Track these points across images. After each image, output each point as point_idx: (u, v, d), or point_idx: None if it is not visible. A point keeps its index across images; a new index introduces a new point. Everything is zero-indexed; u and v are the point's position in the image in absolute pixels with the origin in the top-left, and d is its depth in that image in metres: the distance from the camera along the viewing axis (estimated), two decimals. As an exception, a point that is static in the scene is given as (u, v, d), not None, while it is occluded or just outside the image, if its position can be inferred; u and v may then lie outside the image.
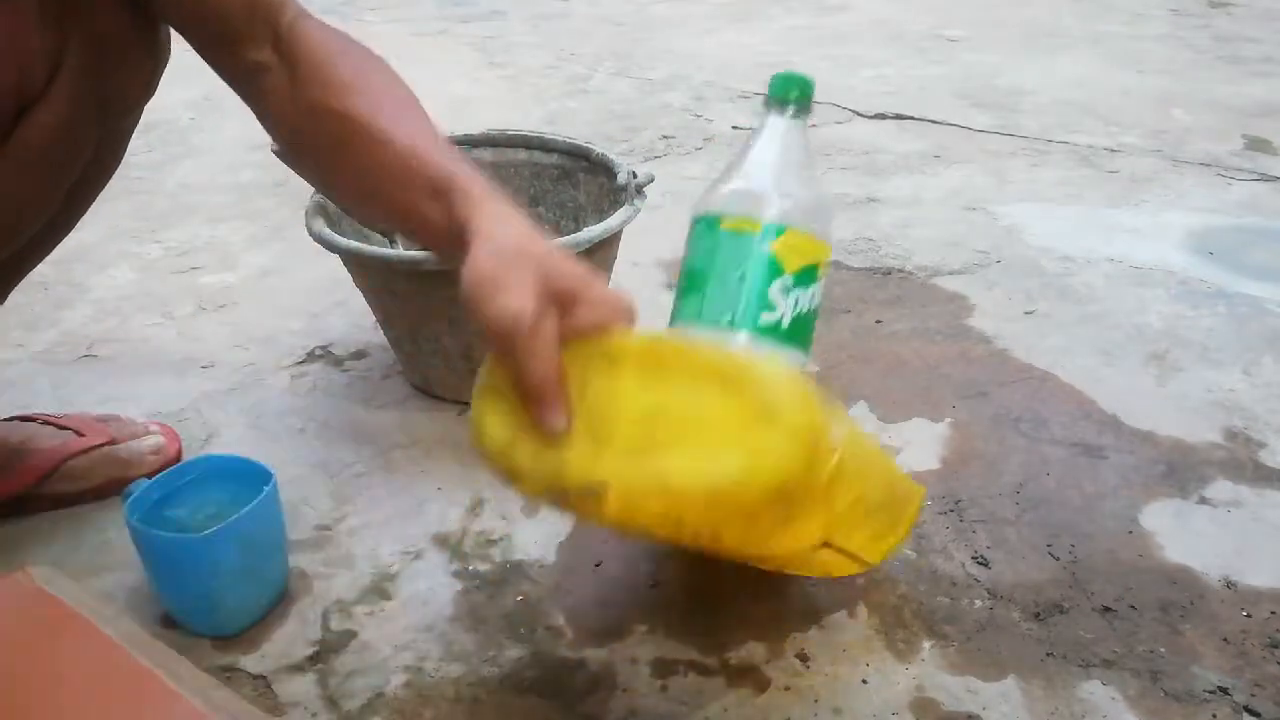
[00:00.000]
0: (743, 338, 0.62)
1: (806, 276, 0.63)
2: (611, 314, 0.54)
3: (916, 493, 0.70)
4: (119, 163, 0.76)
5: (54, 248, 0.77)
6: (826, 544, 0.61)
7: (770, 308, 0.63)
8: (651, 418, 0.51)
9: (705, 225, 0.65)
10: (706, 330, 0.63)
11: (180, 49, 0.71)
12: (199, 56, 0.68)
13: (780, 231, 0.63)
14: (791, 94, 0.67)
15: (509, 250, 0.53)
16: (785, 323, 0.63)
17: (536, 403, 0.52)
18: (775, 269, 0.63)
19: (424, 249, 0.71)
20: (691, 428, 0.50)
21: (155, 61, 0.70)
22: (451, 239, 0.58)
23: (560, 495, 0.52)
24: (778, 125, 0.67)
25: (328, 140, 0.67)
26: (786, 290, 0.63)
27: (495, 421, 0.54)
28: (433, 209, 0.60)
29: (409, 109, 0.67)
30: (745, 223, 0.62)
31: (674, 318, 0.66)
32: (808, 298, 0.64)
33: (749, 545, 0.60)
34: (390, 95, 0.67)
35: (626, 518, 0.50)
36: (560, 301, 0.52)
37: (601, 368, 0.52)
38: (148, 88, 0.72)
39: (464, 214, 0.57)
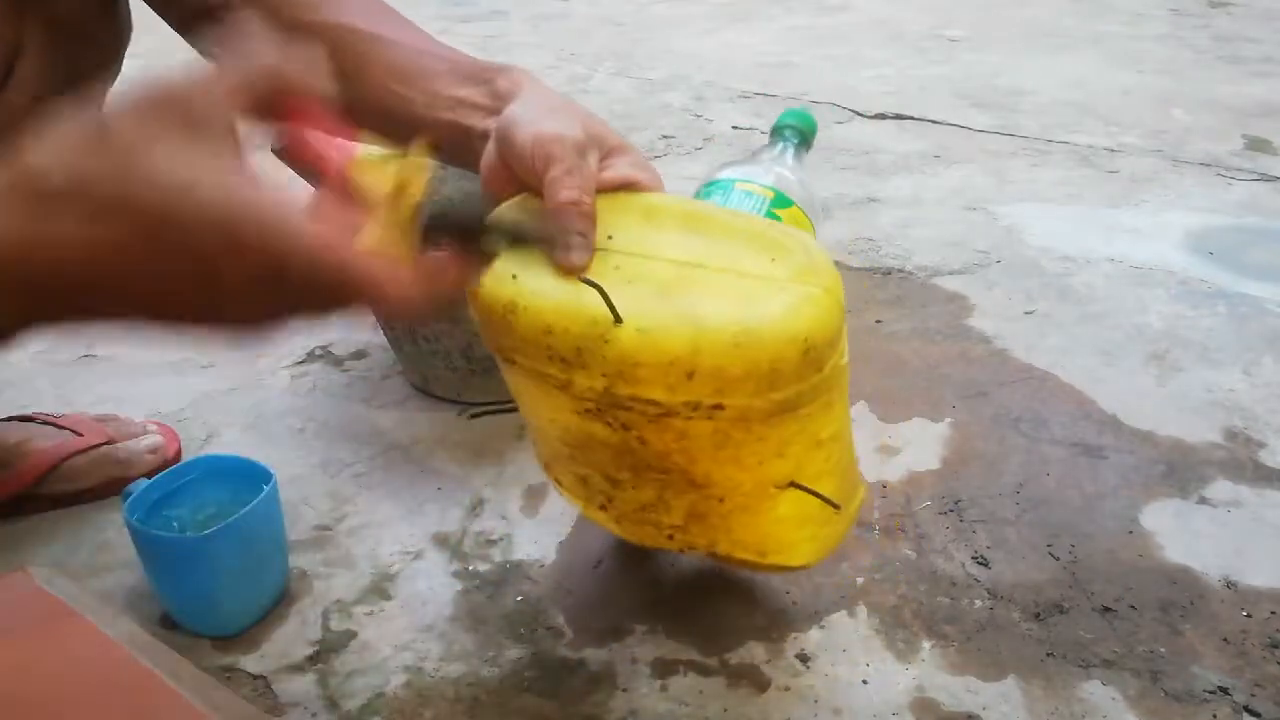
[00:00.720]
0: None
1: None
2: (648, 176, 0.54)
3: (862, 487, 0.65)
4: None
5: None
6: (793, 484, 0.56)
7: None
8: (687, 267, 0.49)
9: (719, 185, 0.66)
10: None
11: (182, 52, 0.71)
12: (158, 15, 0.67)
13: (789, 203, 0.64)
14: (794, 129, 0.71)
15: (556, 102, 0.53)
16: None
17: (563, 229, 0.49)
18: None
19: (457, 144, 0.59)
20: (730, 280, 0.49)
21: (117, 40, 0.70)
22: (494, 113, 0.55)
23: (560, 335, 0.48)
24: (783, 148, 0.71)
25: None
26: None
27: (505, 255, 0.49)
28: (471, 91, 0.58)
29: (395, 13, 0.66)
30: (759, 187, 0.64)
31: None
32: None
33: (726, 451, 0.53)
34: (373, 3, 0.66)
35: (631, 364, 0.47)
36: (601, 151, 0.53)
37: (635, 219, 0.51)
38: (111, 67, 0.70)
39: (508, 86, 0.56)
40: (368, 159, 0.38)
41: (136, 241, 0.34)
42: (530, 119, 0.52)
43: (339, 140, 0.34)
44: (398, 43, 0.61)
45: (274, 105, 0.36)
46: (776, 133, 0.71)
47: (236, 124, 0.35)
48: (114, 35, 0.69)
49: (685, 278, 0.49)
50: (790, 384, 0.50)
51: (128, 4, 0.69)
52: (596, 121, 0.54)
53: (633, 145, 0.56)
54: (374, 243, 0.38)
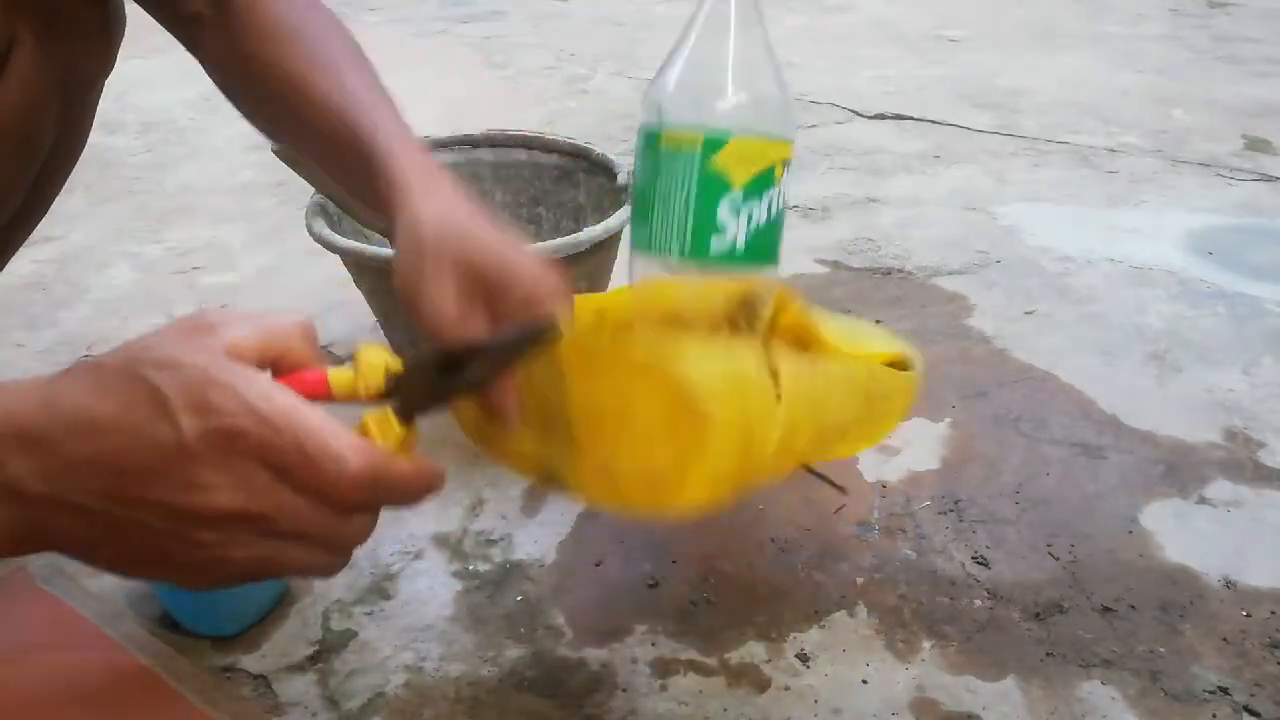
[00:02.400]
0: (694, 271, 0.57)
1: (760, 185, 0.56)
2: (541, 296, 0.51)
3: (906, 380, 0.60)
4: (84, 144, 0.75)
5: (26, 237, 0.76)
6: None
7: (720, 230, 0.56)
8: (589, 411, 0.49)
9: (645, 141, 0.58)
10: (657, 262, 0.58)
11: (182, 52, 0.71)
12: (141, 8, 0.68)
13: (722, 143, 0.55)
14: None
15: (428, 243, 0.50)
16: (740, 243, 0.56)
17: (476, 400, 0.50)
18: (721, 186, 0.55)
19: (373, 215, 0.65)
20: (624, 424, 0.49)
21: (111, 33, 0.69)
22: (385, 212, 0.55)
23: (533, 477, 0.51)
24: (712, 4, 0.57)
25: (262, 94, 0.65)
26: (736, 208, 0.56)
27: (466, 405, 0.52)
28: (362, 177, 0.57)
29: (341, 61, 0.63)
30: (684, 137, 0.55)
31: (631, 245, 0.61)
32: (764, 208, 0.56)
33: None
34: (323, 47, 0.64)
35: (589, 502, 0.51)
36: (487, 288, 0.50)
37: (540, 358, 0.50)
38: (106, 60, 0.70)
39: (387, 188, 0.54)
40: (338, 371, 0.43)
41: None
42: (409, 282, 0.51)
43: (313, 369, 0.43)
44: (314, 101, 0.60)
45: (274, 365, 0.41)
46: None
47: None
48: (107, 31, 0.69)
49: (592, 426, 0.50)
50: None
51: (121, 2, 0.69)
52: (473, 241, 0.51)
53: (518, 249, 0.51)
54: (368, 429, 0.43)
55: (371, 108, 0.59)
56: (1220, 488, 0.86)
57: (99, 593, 0.74)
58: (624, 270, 0.63)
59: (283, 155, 0.83)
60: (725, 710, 0.65)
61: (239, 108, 0.71)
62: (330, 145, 0.61)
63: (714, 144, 0.55)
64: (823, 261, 1.28)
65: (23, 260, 0.79)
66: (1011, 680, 0.67)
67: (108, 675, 0.47)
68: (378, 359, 0.43)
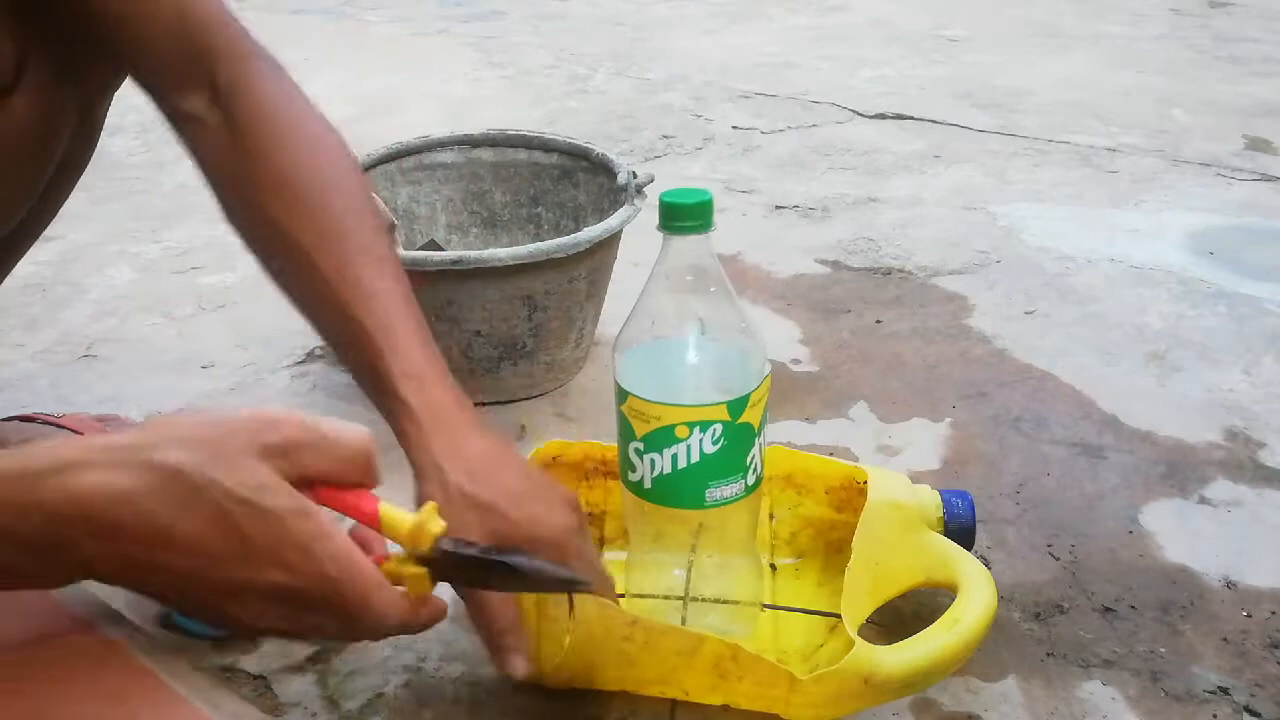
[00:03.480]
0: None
1: (659, 440, 0.61)
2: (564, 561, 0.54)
3: (773, 672, 0.61)
4: (94, 151, 0.75)
5: (34, 241, 0.76)
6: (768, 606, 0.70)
7: (632, 467, 0.63)
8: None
9: (662, 440, 0.63)
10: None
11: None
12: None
13: (625, 397, 0.62)
14: (674, 222, 0.59)
15: (455, 501, 0.55)
16: (646, 483, 0.62)
17: (598, 574, 0.60)
18: (629, 431, 0.62)
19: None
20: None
21: None
22: (396, 434, 0.59)
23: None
24: (665, 257, 0.60)
25: (258, 235, 0.64)
26: (640, 453, 0.62)
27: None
28: (367, 384, 0.59)
29: (347, 229, 0.61)
30: (707, 410, 0.60)
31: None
32: (666, 460, 0.61)
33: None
34: (329, 209, 0.61)
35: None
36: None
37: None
38: (117, 71, 0.70)
39: (402, 418, 0.58)
40: (391, 508, 0.47)
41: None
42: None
43: (367, 493, 0.47)
44: (326, 282, 0.59)
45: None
46: (663, 228, 0.60)
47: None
48: None
49: None
50: None
51: None
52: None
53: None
54: (392, 573, 0.47)
55: (383, 317, 0.58)
56: (1221, 488, 0.86)
57: (98, 592, 0.74)
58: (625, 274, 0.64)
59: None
60: (726, 710, 0.65)
61: (231, 222, 0.67)
62: (333, 329, 0.60)
63: (622, 395, 0.62)
64: (823, 261, 1.28)
65: (22, 261, 0.79)
66: (1012, 680, 0.67)
67: (107, 675, 0.47)
68: (434, 526, 0.48)
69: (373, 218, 0.62)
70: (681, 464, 0.61)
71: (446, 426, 0.56)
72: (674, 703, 0.64)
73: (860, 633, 0.62)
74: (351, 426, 0.46)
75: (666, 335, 0.62)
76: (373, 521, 0.47)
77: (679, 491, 0.62)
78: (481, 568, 0.49)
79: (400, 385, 0.56)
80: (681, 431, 0.60)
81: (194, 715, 0.46)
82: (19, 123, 0.62)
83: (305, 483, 0.44)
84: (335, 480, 0.45)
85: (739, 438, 0.61)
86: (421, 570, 0.48)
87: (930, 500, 0.71)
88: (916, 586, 0.69)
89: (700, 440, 0.60)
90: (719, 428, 0.60)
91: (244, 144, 0.62)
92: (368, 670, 0.69)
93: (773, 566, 0.74)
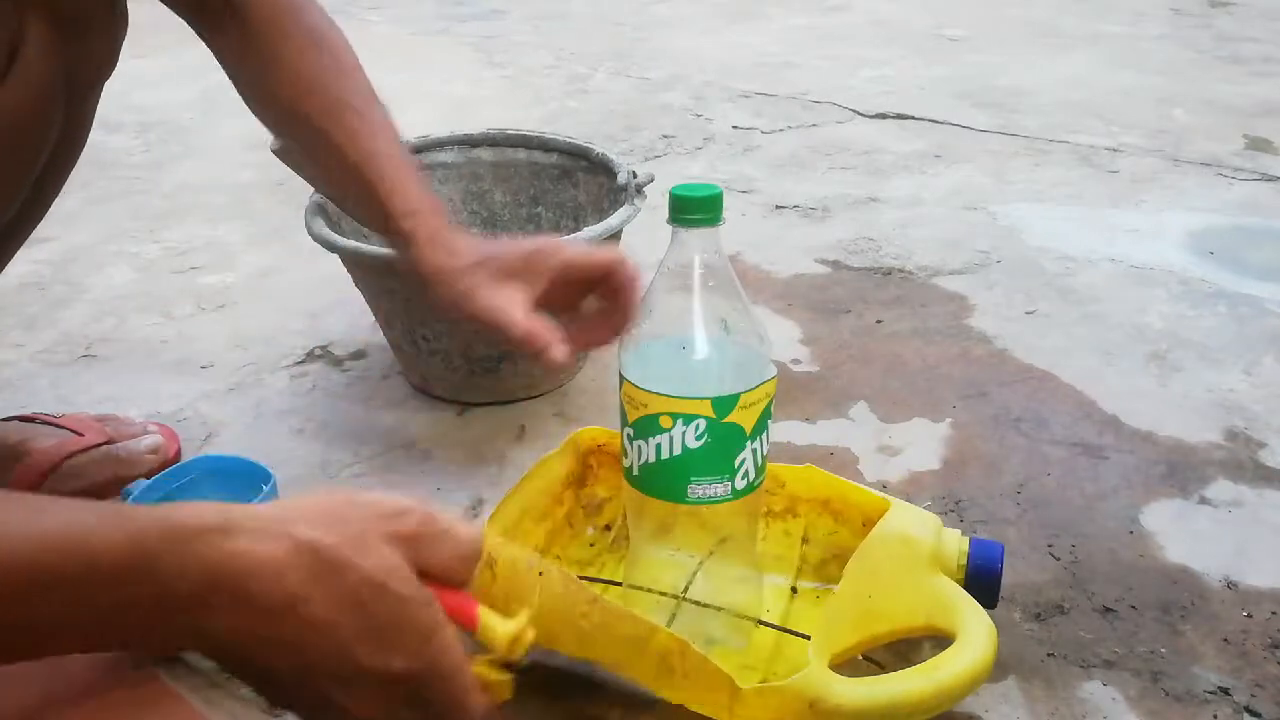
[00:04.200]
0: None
1: (645, 427, 0.61)
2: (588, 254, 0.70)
3: (716, 676, 0.60)
4: (84, 144, 0.76)
5: (27, 236, 0.76)
6: (762, 622, 0.69)
7: (624, 453, 0.63)
8: None
9: (649, 426, 0.63)
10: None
11: (182, 51, 0.71)
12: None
13: (621, 382, 0.62)
14: (683, 215, 0.60)
15: (464, 258, 0.71)
16: (634, 469, 0.63)
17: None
18: (623, 416, 0.63)
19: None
20: None
21: (115, 33, 0.69)
22: (408, 272, 0.72)
23: None
24: (673, 250, 0.61)
25: (276, 123, 0.76)
26: (630, 439, 0.62)
27: None
28: (385, 238, 0.74)
29: (354, 105, 0.73)
30: (693, 403, 0.60)
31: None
32: (651, 449, 0.61)
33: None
34: (335, 90, 0.73)
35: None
36: (535, 268, 0.71)
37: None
38: (110, 61, 0.71)
39: (408, 235, 0.71)
40: (490, 613, 0.48)
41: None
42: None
43: (468, 594, 0.48)
44: (336, 148, 0.72)
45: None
46: (673, 220, 0.60)
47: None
48: (112, 28, 0.69)
49: None
50: None
51: (125, 3, 0.69)
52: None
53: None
54: (480, 674, 0.47)
55: (386, 171, 0.72)
56: (1221, 488, 0.86)
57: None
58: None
59: (282, 155, 0.83)
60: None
61: (251, 110, 0.78)
62: (347, 185, 0.75)
63: (620, 380, 0.63)
64: (823, 261, 1.28)
65: (20, 260, 0.79)
66: (1012, 680, 0.67)
67: (105, 675, 0.47)
68: (529, 636, 0.49)
69: (370, 94, 0.75)
70: (665, 454, 0.61)
71: (440, 240, 0.71)
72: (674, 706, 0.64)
73: (853, 667, 0.61)
74: (466, 525, 0.47)
75: (668, 327, 0.62)
76: (470, 624, 0.47)
77: (662, 482, 0.62)
78: (567, 675, 0.54)
79: (403, 221, 0.71)
80: (665, 422, 0.60)
81: (193, 715, 0.46)
82: (10, 111, 0.62)
83: (420, 574, 0.44)
84: (444, 576, 0.46)
85: (725, 436, 0.60)
86: (508, 677, 0.49)
87: (953, 545, 0.68)
88: (916, 630, 0.66)
89: (684, 433, 0.60)
90: (702, 423, 0.60)
91: (257, 43, 0.73)
92: (367, 670, 0.69)
93: (793, 589, 0.72)
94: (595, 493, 0.77)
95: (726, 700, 0.59)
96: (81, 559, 0.36)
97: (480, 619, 0.47)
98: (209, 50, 0.76)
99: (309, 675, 0.42)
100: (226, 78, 0.77)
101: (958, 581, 0.67)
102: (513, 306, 0.68)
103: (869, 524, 0.70)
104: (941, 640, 0.64)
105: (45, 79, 0.63)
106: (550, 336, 0.67)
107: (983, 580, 0.67)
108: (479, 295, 0.69)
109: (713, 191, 0.59)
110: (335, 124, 0.72)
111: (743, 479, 0.62)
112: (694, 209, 0.59)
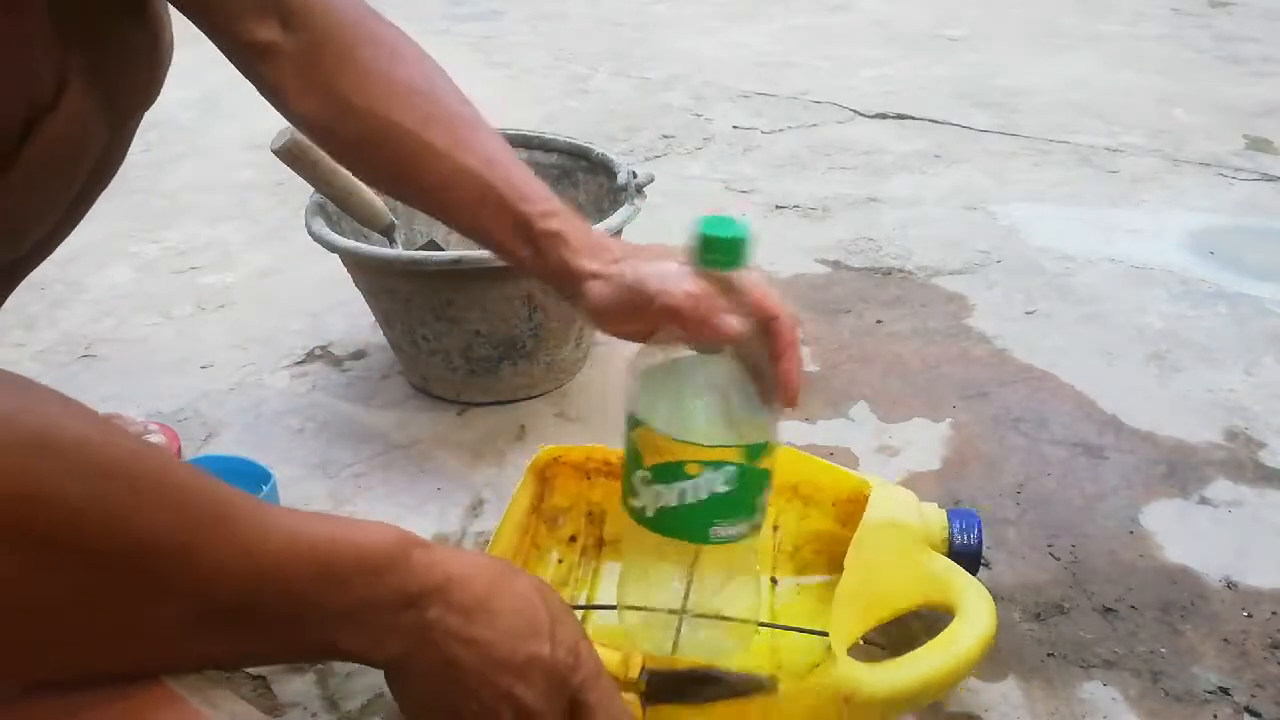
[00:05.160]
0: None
1: (667, 473, 0.58)
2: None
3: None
4: (120, 165, 0.76)
5: (53, 251, 0.77)
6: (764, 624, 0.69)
7: (634, 494, 0.60)
8: None
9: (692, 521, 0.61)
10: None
11: (181, 50, 0.71)
12: (211, 42, 0.67)
13: (636, 424, 0.58)
14: (709, 257, 0.57)
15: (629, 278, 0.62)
16: (649, 512, 0.59)
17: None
18: (636, 457, 0.59)
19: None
20: None
21: (159, 64, 0.70)
22: (549, 276, 0.65)
23: None
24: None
25: (360, 138, 0.67)
26: (646, 482, 0.59)
27: None
28: (516, 245, 0.65)
29: (440, 103, 0.68)
30: (719, 451, 0.57)
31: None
32: (673, 494, 0.58)
33: None
34: (435, 96, 0.68)
35: None
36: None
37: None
38: (153, 91, 0.70)
39: (550, 236, 0.64)
40: (605, 655, 0.52)
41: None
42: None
43: None
44: (444, 155, 0.65)
45: None
46: (697, 260, 0.57)
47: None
48: (156, 62, 0.69)
49: None
50: None
51: (171, 33, 0.69)
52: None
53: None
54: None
55: (505, 174, 0.66)
56: (1221, 488, 0.86)
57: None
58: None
59: (282, 154, 0.83)
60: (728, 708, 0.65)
61: (327, 149, 0.74)
62: (452, 205, 0.67)
63: (632, 421, 0.59)
64: (823, 261, 1.28)
65: (22, 261, 0.79)
66: (1012, 680, 0.67)
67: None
68: (639, 655, 0.53)
69: (456, 91, 0.70)
70: (689, 499, 0.58)
71: (591, 243, 0.65)
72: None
73: (856, 653, 0.62)
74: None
75: (687, 365, 0.59)
76: None
77: (683, 526, 0.59)
78: (687, 681, 0.56)
79: (543, 223, 0.65)
80: (692, 469, 0.57)
81: (193, 715, 0.46)
82: (54, 141, 0.62)
83: None
84: None
85: (752, 481, 0.58)
86: (634, 696, 0.53)
87: (936, 520, 0.70)
88: (915, 608, 0.67)
89: (711, 479, 0.57)
90: (733, 470, 0.57)
91: (328, 53, 0.66)
92: (367, 671, 0.68)
93: (774, 580, 0.73)
94: (555, 504, 0.75)
95: (759, 706, 0.59)
96: (351, 556, 0.43)
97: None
98: (255, 82, 0.69)
99: (491, 668, 0.46)
100: (227, 78, 0.73)
101: (943, 554, 0.69)
102: (683, 279, 0.58)
103: (839, 505, 0.71)
104: (930, 613, 0.67)
105: (89, 110, 0.63)
106: (719, 305, 0.57)
107: (965, 550, 0.70)
108: (649, 281, 0.60)
109: (738, 234, 0.56)
110: (443, 132, 0.66)
111: (760, 514, 0.61)
112: (719, 250, 0.56)
